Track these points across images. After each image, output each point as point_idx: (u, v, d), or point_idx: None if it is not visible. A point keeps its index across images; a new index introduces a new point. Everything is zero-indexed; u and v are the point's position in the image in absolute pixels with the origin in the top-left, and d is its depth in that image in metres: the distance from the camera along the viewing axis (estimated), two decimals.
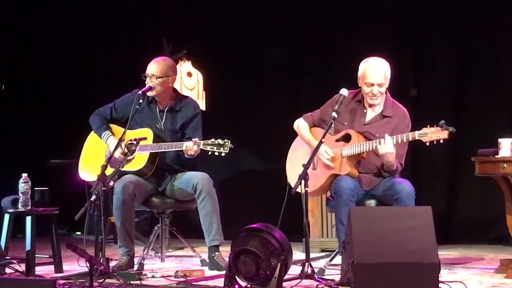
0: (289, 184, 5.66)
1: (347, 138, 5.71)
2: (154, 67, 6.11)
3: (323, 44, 7.84)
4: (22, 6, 8.72)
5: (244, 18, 8.18)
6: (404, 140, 5.52)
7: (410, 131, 5.58)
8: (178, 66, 7.59)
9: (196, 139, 5.85)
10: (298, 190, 5.26)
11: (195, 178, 5.98)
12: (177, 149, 5.91)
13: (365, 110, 5.80)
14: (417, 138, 5.44)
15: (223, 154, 5.76)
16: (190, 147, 5.81)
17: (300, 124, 5.97)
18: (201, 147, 5.79)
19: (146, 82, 6.09)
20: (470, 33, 7.55)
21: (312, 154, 5.41)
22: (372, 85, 5.68)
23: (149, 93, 6.08)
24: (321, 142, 5.43)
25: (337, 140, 5.73)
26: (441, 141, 5.38)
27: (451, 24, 7.59)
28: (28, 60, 8.68)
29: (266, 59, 8.18)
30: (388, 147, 5.50)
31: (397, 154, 5.61)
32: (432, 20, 7.62)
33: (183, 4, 8.38)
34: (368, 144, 5.59)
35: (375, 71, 5.68)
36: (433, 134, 5.37)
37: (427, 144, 5.41)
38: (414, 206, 5.49)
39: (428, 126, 5.40)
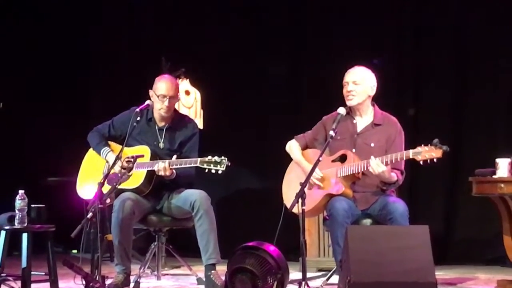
0: (285, 206, 5.59)
1: (343, 159, 5.69)
2: (173, 88, 6.07)
3: (323, 63, 7.84)
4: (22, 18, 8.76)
5: (242, 36, 8.19)
6: (398, 159, 5.44)
7: (405, 150, 5.54)
8: None
9: (169, 160, 5.86)
10: (295, 209, 5.19)
11: (193, 196, 5.96)
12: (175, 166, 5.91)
13: (354, 121, 5.80)
14: (411, 157, 5.33)
15: (220, 172, 5.73)
16: (162, 168, 5.82)
17: (292, 145, 5.96)
18: (198, 164, 5.77)
19: (165, 104, 6.05)
20: (469, 53, 7.57)
21: (309, 172, 5.36)
22: (348, 83, 5.71)
23: (166, 113, 6.08)
24: (318, 161, 5.37)
25: (333, 161, 5.71)
26: (434, 160, 5.26)
27: (451, 43, 7.61)
28: (26, 77, 8.67)
29: (265, 77, 8.20)
30: (377, 169, 5.45)
31: (395, 164, 5.55)
32: (432, 39, 7.64)
33: (181, 22, 8.40)
34: (362, 164, 5.56)
35: (351, 72, 5.76)
36: (426, 153, 5.25)
37: (421, 163, 5.31)
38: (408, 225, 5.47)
39: (422, 145, 5.30)
